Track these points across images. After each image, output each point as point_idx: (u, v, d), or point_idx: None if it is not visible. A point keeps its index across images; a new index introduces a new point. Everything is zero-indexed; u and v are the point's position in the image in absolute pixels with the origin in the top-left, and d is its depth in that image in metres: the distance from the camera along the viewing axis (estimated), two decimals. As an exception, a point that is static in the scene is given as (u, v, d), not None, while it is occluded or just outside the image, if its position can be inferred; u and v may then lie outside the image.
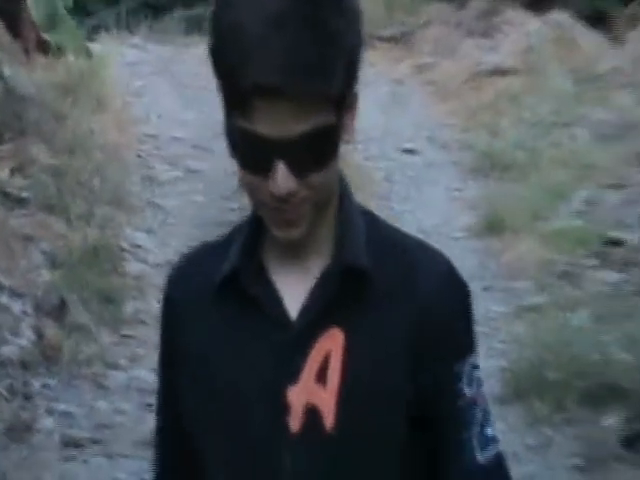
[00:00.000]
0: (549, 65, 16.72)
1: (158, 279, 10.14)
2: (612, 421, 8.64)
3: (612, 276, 11.03)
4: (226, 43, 1.91)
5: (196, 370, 2.15)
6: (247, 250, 2.09)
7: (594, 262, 11.00)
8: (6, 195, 11.74)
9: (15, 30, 14.11)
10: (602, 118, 14.38)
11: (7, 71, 13.09)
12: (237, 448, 2.13)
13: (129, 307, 10.75)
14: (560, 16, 18.26)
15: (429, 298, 2.05)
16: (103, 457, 8.59)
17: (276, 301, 2.06)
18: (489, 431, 2.06)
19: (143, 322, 10.48)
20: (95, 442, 8.68)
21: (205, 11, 26.57)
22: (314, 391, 2.05)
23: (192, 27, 21.81)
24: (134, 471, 8.08)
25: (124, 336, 10.20)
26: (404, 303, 2.06)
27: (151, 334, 9.40)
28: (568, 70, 16.47)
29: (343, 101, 1.90)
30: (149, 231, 12.32)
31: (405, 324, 2.04)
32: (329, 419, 2.03)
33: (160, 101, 16.22)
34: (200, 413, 2.16)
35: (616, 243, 11.30)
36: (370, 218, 2.08)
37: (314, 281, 2.06)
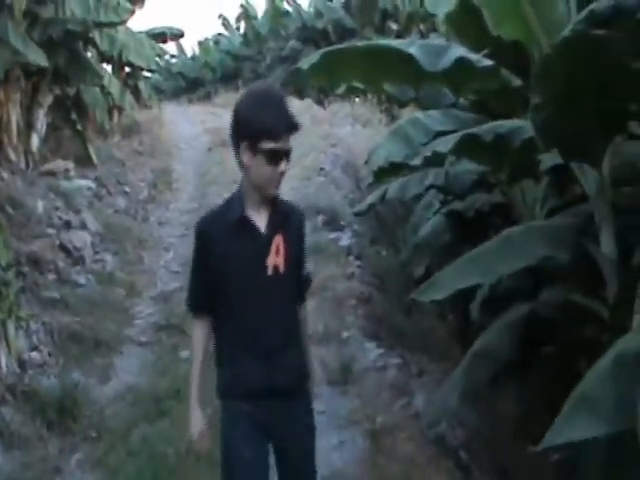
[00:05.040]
0: (303, 116, 18.28)
1: (185, 178, 17.13)
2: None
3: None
4: (269, 119, 3.10)
5: (222, 257, 3.29)
6: (242, 209, 3.27)
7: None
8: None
9: (137, 99, 18.96)
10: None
11: (137, 114, 19.35)
12: (247, 283, 3.30)
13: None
14: (308, 100, 22.50)
15: (299, 219, 3.50)
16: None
17: (256, 226, 3.30)
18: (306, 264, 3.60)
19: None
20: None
21: (195, 97, 35.54)
22: (275, 259, 3.31)
23: (190, 101, 32.40)
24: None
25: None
26: (295, 222, 3.45)
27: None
28: (310, 119, 19.13)
29: None
30: (179, 162, 18.42)
31: (297, 229, 3.47)
32: (282, 268, 3.32)
33: (180, 122, 23.08)
34: (226, 273, 3.30)
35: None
36: None
37: (266, 218, 3.32)
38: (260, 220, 3.30)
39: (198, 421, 3.44)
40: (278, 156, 3.16)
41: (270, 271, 3.28)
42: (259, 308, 3.29)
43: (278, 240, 3.30)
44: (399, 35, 22.84)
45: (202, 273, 3.39)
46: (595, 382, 3.30)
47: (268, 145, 3.12)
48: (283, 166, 3.19)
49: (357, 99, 21.22)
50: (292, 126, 3.18)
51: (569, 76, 3.71)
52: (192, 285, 3.50)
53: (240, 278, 3.28)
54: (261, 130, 3.11)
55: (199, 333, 3.49)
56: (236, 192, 3.37)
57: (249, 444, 3.35)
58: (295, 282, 3.44)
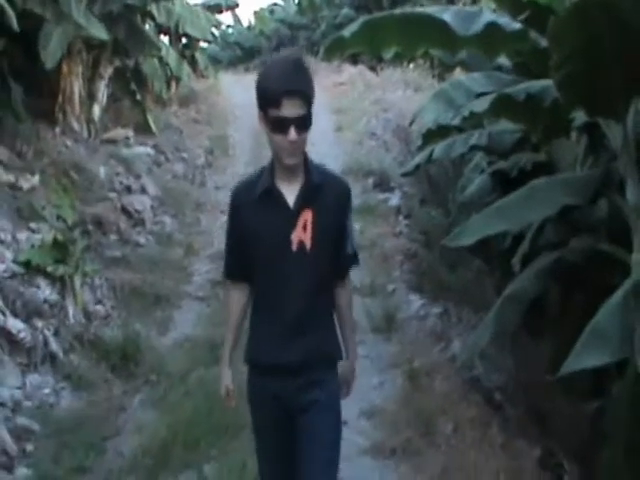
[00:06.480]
0: (357, 82, 21.98)
1: (242, 144, 17.07)
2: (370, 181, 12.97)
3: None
4: (269, 85, 2.95)
5: (249, 227, 3.16)
6: (271, 179, 3.11)
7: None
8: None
9: (194, 69, 19.91)
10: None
11: (193, 84, 19.67)
12: (271, 257, 3.15)
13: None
14: (361, 66, 24.11)
15: (339, 192, 3.22)
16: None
17: (284, 199, 3.10)
18: (353, 240, 3.31)
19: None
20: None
21: (251, 65, 35.52)
22: (302, 234, 3.10)
23: (247, 70, 31.95)
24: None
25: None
26: (333, 194, 3.18)
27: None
28: (363, 84, 21.79)
29: (311, 104, 2.95)
30: (236, 130, 18.53)
31: (335, 203, 3.18)
32: (308, 245, 3.10)
33: (236, 91, 21.96)
34: (252, 244, 3.18)
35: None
36: (311, 160, 3.11)
37: (297, 190, 3.10)
38: (290, 192, 3.12)
39: (225, 380, 3.42)
40: (282, 124, 2.94)
41: (295, 247, 3.10)
42: (280, 284, 3.14)
43: (307, 215, 3.10)
44: (451, 2, 22.68)
45: (236, 239, 3.27)
46: (605, 317, 3.63)
47: (272, 113, 2.92)
48: (292, 134, 2.94)
49: (411, 65, 21.22)
50: (290, 90, 2.92)
51: (582, 36, 3.91)
52: (227, 251, 3.38)
53: (264, 251, 3.15)
54: (262, 98, 2.98)
55: (234, 299, 3.40)
56: (270, 161, 3.19)
57: (265, 407, 3.31)
58: (328, 260, 3.19)
